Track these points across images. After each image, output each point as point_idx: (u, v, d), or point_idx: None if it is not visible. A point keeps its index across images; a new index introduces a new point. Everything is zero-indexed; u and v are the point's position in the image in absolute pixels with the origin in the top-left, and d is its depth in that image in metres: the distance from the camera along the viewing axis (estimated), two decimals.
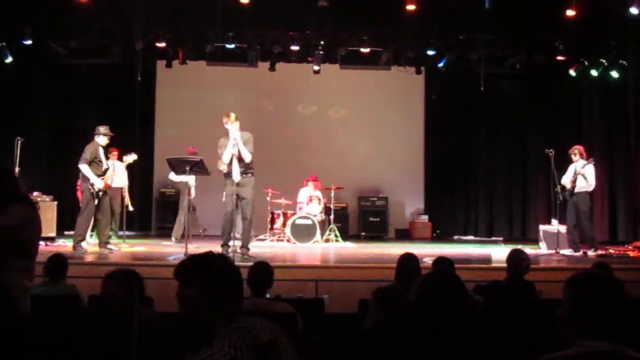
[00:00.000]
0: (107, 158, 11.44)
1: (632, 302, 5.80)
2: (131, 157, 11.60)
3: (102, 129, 10.57)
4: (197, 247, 10.89)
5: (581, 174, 11.19)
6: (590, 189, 11.46)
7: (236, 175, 9.31)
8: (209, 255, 2.86)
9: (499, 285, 5.87)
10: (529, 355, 3.36)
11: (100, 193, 10.30)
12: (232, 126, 9.34)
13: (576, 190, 11.30)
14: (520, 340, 3.80)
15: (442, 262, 5.82)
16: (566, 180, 11.44)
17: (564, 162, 11.74)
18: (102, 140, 10.46)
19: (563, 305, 2.76)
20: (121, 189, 12.57)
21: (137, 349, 3.07)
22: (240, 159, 9.33)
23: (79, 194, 10.64)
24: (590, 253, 11.20)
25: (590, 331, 2.66)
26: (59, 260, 6.06)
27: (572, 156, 11.46)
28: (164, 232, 14.22)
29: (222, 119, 9.47)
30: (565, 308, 2.73)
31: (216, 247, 9.80)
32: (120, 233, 12.56)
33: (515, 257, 6.22)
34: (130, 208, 12.94)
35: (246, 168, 9.47)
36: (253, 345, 2.56)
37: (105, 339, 3.78)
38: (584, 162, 11.29)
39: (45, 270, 5.92)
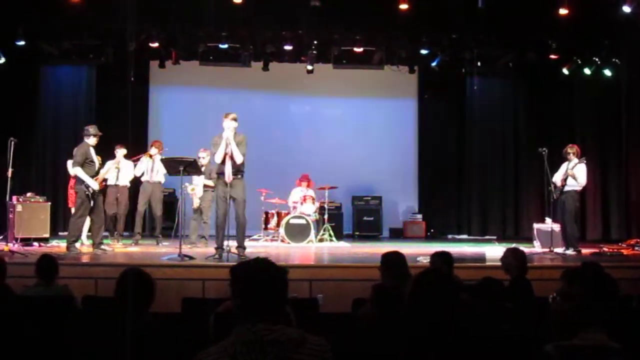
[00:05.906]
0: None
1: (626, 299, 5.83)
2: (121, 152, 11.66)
3: (91, 129, 10.55)
4: (191, 247, 10.89)
5: (570, 175, 11.15)
6: (580, 188, 11.36)
7: (228, 176, 9.24)
8: None
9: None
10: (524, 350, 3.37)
11: (96, 194, 10.25)
12: (226, 125, 9.29)
13: (565, 188, 11.23)
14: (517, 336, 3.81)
15: (440, 255, 5.82)
16: (557, 178, 11.37)
17: (557, 161, 11.72)
18: (91, 140, 10.42)
19: (570, 298, 2.86)
20: (127, 187, 12.49)
21: (131, 349, 3.04)
22: (232, 160, 9.27)
23: (70, 191, 10.57)
24: (569, 252, 11.07)
25: (592, 324, 2.82)
26: (48, 261, 6.02)
27: (567, 155, 11.36)
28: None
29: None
30: (570, 303, 2.84)
31: (209, 249, 9.80)
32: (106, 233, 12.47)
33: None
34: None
35: (237, 169, 9.39)
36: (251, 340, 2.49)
37: (103, 339, 3.76)
38: (576, 161, 11.24)
39: (37, 272, 5.89)
